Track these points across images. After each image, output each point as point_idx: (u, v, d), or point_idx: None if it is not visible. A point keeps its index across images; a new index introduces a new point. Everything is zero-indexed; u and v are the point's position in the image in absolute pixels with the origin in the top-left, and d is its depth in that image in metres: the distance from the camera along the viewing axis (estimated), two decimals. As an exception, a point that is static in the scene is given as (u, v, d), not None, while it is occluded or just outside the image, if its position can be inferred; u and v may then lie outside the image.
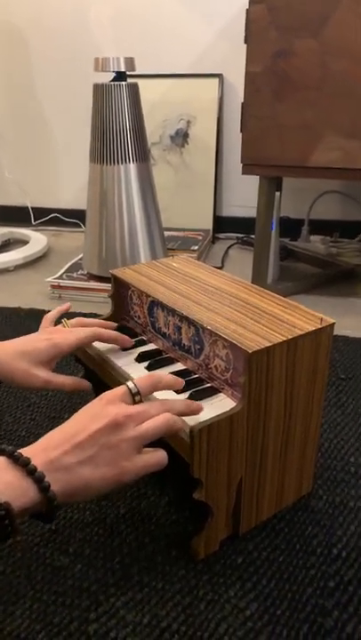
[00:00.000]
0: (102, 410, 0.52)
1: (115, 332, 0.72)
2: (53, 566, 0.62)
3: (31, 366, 0.64)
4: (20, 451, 0.48)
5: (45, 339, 0.66)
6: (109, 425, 0.50)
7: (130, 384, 0.55)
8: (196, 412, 0.57)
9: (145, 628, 0.55)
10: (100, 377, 0.73)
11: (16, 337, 0.67)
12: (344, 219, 1.83)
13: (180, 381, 0.59)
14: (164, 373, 0.59)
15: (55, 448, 0.49)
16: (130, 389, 0.54)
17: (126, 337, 0.72)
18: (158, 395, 0.60)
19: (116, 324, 0.76)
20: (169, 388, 0.58)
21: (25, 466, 0.46)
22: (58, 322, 0.74)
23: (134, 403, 0.54)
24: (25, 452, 0.48)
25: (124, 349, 0.73)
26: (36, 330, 0.72)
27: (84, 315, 1.25)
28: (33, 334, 0.69)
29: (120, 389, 0.54)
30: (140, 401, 0.55)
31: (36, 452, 0.48)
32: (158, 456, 0.53)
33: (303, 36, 1.12)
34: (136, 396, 0.54)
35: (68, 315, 0.75)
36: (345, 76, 1.12)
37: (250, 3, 1.13)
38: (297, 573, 0.61)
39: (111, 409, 0.52)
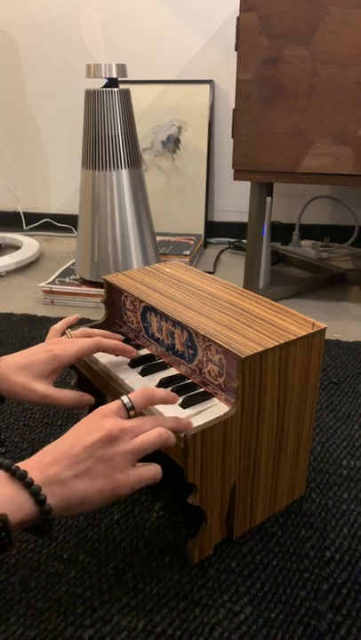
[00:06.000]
0: (97, 423, 0.52)
1: (117, 341, 0.70)
2: (48, 572, 0.62)
3: (30, 380, 0.63)
4: (16, 464, 0.48)
5: (46, 351, 0.65)
6: (104, 438, 0.51)
7: (124, 399, 0.55)
8: (186, 428, 0.56)
9: (140, 634, 0.55)
10: (91, 381, 0.73)
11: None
12: (335, 223, 1.85)
13: (174, 397, 0.59)
14: (159, 389, 0.58)
15: (51, 462, 0.49)
16: (125, 404, 0.55)
17: (129, 346, 0.70)
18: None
19: (122, 337, 0.74)
20: (163, 403, 0.58)
21: (22, 479, 0.47)
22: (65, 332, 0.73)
23: (129, 417, 0.55)
24: (21, 465, 0.48)
25: (117, 354, 0.73)
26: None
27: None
28: (36, 346, 0.68)
29: (115, 404, 0.55)
30: (135, 415, 0.55)
31: (33, 466, 0.48)
32: (152, 470, 0.54)
33: (293, 43, 1.13)
34: (130, 411, 0.55)
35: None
36: (334, 83, 1.13)
37: (241, 10, 1.14)
38: (291, 576, 0.62)
39: (106, 422, 0.52)
